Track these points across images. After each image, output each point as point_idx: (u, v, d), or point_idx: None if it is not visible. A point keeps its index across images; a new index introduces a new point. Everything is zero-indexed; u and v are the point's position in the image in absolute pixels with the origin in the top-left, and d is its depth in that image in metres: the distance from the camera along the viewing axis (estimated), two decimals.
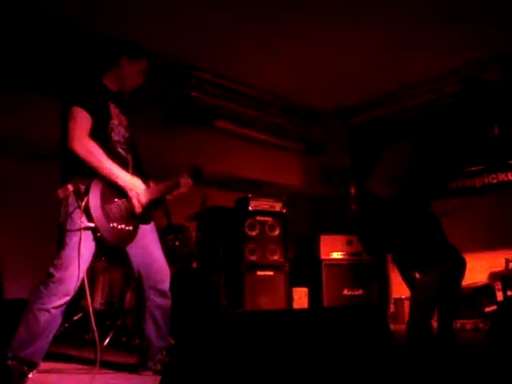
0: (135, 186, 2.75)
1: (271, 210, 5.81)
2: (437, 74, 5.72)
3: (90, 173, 2.60)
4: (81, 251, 2.52)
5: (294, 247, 6.25)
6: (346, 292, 5.81)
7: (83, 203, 2.53)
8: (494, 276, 5.71)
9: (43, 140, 4.70)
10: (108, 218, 2.63)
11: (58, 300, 2.54)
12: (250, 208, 5.66)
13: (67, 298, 2.57)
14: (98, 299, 4.74)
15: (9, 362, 2.45)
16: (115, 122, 2.84)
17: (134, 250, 2.86)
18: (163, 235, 4.63)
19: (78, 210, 2.56)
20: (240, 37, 4.85)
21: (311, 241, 6.20)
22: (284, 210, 5.86)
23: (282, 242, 5.75)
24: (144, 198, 2.78)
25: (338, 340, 1.58)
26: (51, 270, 2.55)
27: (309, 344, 1.52)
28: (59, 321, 2.61)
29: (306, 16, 4.56)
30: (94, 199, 2.58)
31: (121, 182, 2.69)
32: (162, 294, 2.91)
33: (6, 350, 2.47)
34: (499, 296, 5.25)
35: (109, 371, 2.91)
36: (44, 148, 4.58)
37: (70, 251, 2.55)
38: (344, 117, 7.04)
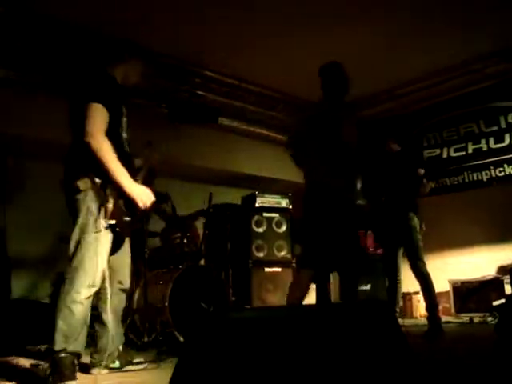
0: (141, 194, 2.80)
1: (278, 206, 5.81)
2: (437, 68, 5.69)
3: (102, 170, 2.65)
4: (102, 244, 2.64)
5: None
6: None
7: (107, 203, 2.62)
8: (502, 269, 5.69)
9: (48, 140, 4.73)
10: (122, 212, 2.73)
11: (86, 292, 2.60)
12: (256, 205, 5.66)
13: (94, 289, 2.65)
14: None
15: (58, 355, 2.49)
16: (126, 119, 2.88)
17: None
18: (170, 232, 4.65)
19: (99, 208, 2.63)
20: (244, 36, 4.84)
21: None
22: (290, 206, 5.86)
23: (289, 238, 5.76)
24: (149, 203, 2.85)
25: (345, 336, 1.58)
26: (75, 263, 2.60)
27: (317, 340, 1.52)
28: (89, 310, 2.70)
29: (307, 15, 4.55)
30: (112, 197, 2.65)
31: (127, 190, 2.72)
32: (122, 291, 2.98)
33: (51, 346, 2.53)
34: (508, 289, 5.23)
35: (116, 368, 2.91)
36: (49, 148, 4.60)
37: (90, 247, 2.62)
38: None
